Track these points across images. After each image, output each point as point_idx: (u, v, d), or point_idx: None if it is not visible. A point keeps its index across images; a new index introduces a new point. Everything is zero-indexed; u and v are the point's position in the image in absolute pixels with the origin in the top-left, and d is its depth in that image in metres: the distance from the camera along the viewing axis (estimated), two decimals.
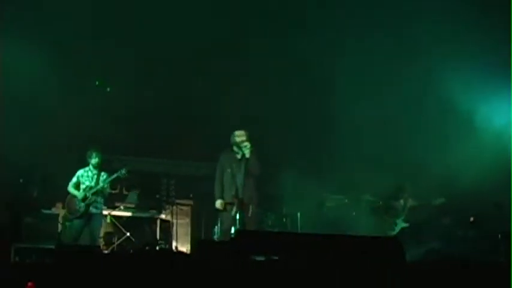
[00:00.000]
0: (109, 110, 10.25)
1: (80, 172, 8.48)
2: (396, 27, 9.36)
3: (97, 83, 10.72)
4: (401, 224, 9.10)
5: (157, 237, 9.65)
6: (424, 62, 9.54)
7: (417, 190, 9.20)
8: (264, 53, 10.07)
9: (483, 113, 9.29)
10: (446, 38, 9.31)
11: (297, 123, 10.57)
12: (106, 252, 8.57)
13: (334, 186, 9.76)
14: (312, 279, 5.06)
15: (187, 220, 10.19)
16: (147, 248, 9.12)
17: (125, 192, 10.39)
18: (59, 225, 8.67)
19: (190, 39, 9.95)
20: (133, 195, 10.26)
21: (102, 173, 8.48)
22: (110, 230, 9.49)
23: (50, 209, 9.09)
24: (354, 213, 9.64)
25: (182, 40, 9.92)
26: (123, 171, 8.48)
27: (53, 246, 7.27)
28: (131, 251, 8.79)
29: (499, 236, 7.96)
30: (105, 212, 9.23)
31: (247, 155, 7.60)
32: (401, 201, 9.22)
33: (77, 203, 8.28)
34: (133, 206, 9.78)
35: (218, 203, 7.68)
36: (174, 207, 9.76)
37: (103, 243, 9.11)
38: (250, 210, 7.55)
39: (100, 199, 8.43)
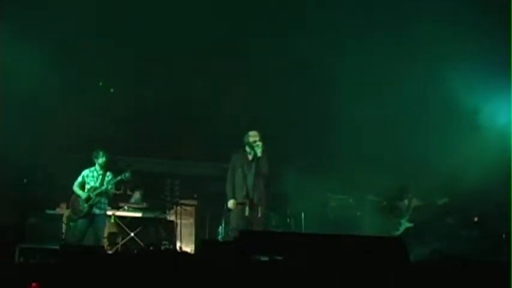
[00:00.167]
0: (109, 110, 10.25)
1: (85, 172, 8.48)
2: (396, 27, 9.38)
3: (101, 83, 10.72)
4: (405, 224, 9.12)
5: (162, 237, 9.65)
6: (425, 61, 9.57)
7: (421, 190, 9.22)
8: (264, 53, 10.10)
9: (485, 113, 9.32)
10: (447, 38, 9.33)
11: (297, 123, 10.59)
12: (110, 252, 8.56)
13: (337, 187, 9.78)
14: (315, 279, 5.07)
15: (192, 220, 10.18)
16: (151, 248, 9.13)
17: (129, 193, 10.38)
18: (63, 226, 8.67)
19: (190, 39, 9.96)
20: (137, 196, 10.25)
21: (108, 173, 8.48)
22: (114, 230, 9.48)
23: (54, 209, 9.07)
24: (358, 213, 9.67)
25: (182, 40, 9.93)
26: (127, 175, 8.47)
27: (57, 247, 7.23)
28: (135, 251, 8.79)
29: (503, 235, 7.99)
30: (109, 213, 9.23)
31: (259, 154, 7.70)
32: (406, 201, 9.24)
33: (81, 203, 8.28)
34: (137, 206, 9.76)
35: (231, 203, 7.74)
36: (178, 207, 9.74)
37: (107, 243, 9.10)
38: (260, 211, 7.64)
39: (104, 200, 8.44)
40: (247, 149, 7.85)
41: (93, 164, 8.51)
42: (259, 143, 7.72)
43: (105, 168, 8.49)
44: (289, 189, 9.28)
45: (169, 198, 10.28)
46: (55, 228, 8.76)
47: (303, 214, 9.45)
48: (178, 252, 8.11)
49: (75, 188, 8.40)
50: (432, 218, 9.24)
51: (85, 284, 5.05)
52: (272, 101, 10.37)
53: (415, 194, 9.23)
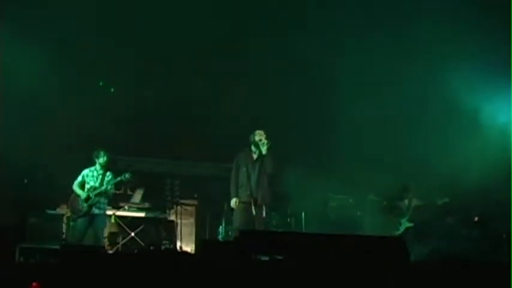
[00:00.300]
0: (109, 110, 10.24)
1: (85, 171, 8.46)
2: (396, 27, 9.41)
3: (101, 83, 10.72)
4: (405, 224, 9.12)
5: (162, 237, 9.65)
6: (425, 61, 9.59)
7: (421, 190, 9.22)
8: (264, 53, 10.10)
9: (485, 113, 9.33)
10: (447, 38, 9.36)
11: (297, 123, 10.59)
12: (110, 252, 8.56)
13: (337, 186, 9.78)
14: (316, 279, 5.08)
15: (192, 220, 10.17)
16: (151, 248, 9.13)
17: (129, 193, 10.34)
18: (64, 226, 8.67)
19: (190, 39, 9.98)
20: (137, 195, 10.24)
21: (108, 173, 8.47)
22: (114, 230, 9.46)
23: (54, 209, 9.05)
24: (359, 213, 9.69)
25: (182, 40, 9.94)
26: (127, 176, 8.46)
27: (57, 247, 7.26)
28: (136, 251, 8.79)
29: (503, 235, 7.99)
30: (109, 212, 9.23)
31: (264, 152, 7.77)
32: (406, 201, 9.24)
33: (80, 202, 8.27)
34: (137, 206, 9.76)
35: (233, 202, 7.78)
36: (179, 207, 9.74)
37: (107, 243, 9.09)
38: (264, 211, 7.70)
39: (103, 200, 8.42)
40: (253, 148, 7.91)
41: (94, 164, 8.50)
42: (265, 141, 7.78)
43: (106, 168, 8.47)
44: (289, 189, 9.28)
45: (169, 198, 10.25)
46: (55, 228, 8.76)
47: (303, 214, 9.47)
48: (179, 252, 8.11)
49: (75, 187, 8.39)
50: (432, 217, 9.25)
51: (85, 284, 5.05)
52: (272, 101, 10.37)
53: (415, 193, 9.23)
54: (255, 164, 7.83)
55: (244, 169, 7.79)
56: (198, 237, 9.96)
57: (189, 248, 9.76)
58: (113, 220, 9.36)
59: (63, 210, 9.01)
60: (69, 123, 9.88)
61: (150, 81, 10.46)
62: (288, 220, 9.71)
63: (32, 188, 9.17)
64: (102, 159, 8.42)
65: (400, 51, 9.59)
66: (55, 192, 8.78)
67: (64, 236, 8.58)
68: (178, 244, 9.58)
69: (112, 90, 10.80)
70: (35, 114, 9.58)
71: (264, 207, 7.70)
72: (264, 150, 7.77)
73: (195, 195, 10.43)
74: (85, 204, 8.24)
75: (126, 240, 9.36)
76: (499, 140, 9.08)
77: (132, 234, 9.39)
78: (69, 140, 9.82)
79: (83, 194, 8.28)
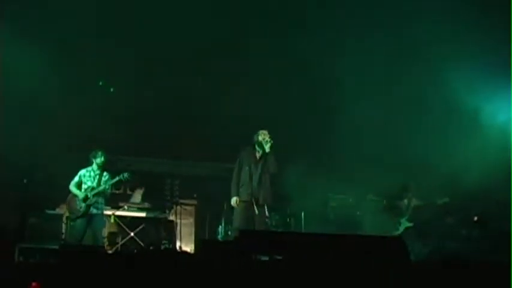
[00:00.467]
0: (109, 110, 10.24)
1: (82, 172, 8.46)
2: (396, 27, 9.39)
3: (100, 83, 10.72)
4: (405, 224, 9.11)
5: (162, 237, 9.66)
6: (425, 61, 9.58)
7: (421, 190, 9.22)
8: (264, 53, 10.10)
9: (485, 112, 9.33)
10: (447, 38, 9.35)
11: (297, 123, 10.58)
12: (110, 252, 8.56)
13: (337, 186, 9.78)
14: (316, 279, 5.08)
15: (191, 220, 10.18)
16: (151, 248, 9.13)
17: (128, 192, 10.37)
18: (63, 226, 8.67)
19: (190, 39, 9.97)
20: (137, 195, 10.25)
21: (105, 173, 8.46)
22: (113, 230, 9.48)
23: (54, 209, 9.06)
24: (358, 213, 9.68)
25: (182, 40, 9.94)
26: (126, 175, 8.46)
27: (57, 247, 7.27)
28: (135, 251, 8.79)
29: (503, 235, 7.98)
30: (109, 212, 9.24)
31: (267, 150, 7.83)
32: (406, 201, 9.24)
33: (78, 202, 8.27)
34: (137, 206, 9.77)
35: (233, 200, 7.81)
36: (178, 207, 9.76)
37: (107, 243, 9.11)
38: (266, 211, 7.73)
39: (101, 200, 8.41)
40: (256, 147, 7.95)
41: (90, 164, 8.49)
42: (268, 140, 7.84)
43: (103, 168, 8.47)
44: (289, 189, 9.29)
45: (169, 198, 10.27)
46: (55, 228, 8.77)
47: (303, 214, 9.47)
48: (178, 252, 8.11)
49: (72, 187, 8.38)
50: (432, 217, 9.24)
51: (85, 284, 5.05)
52: (272, 101, 10.36)
53: (414, 193, 9.23)
54: (257, 164, 7.88)
55: (247, 168, 7.83)
56: (198, 237, 9.98)
57: (188, 248, 9.77)
58: (112, 220, 9.37)
59: (62, 210, 9.02)
60: (69, 123, 9.88)
61: (150, 81, 10.45)
62: (288, 220, 9.72)
63: (31, 188, 9.18)
64: (99, 160, 8.42)
65: (400, 51, 9.60)
66: (55, 192, 8.78)
67: (63, 236, 8.59)
68: (177, 244, 9.59)
69: (112, 90, 10.80)
70: (35, 114, 9.57)
71: (265, 207, 7.73)
72: (267, 148, 7.83)
73: (195, 195, 10.45)
74: (83, 204, 8.23)
75: (125, 240, 9.38)
76: (499, 140, 9.07)
77: (132, 234, 9.40)
78: (69, 140, 9.82)
79: (80, 194, 8.28)
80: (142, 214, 9.63)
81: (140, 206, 9.80)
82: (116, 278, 5.09)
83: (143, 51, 10.12)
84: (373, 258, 5.27)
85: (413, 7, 9.38)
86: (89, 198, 8.26)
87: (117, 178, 8.44)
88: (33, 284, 4.98)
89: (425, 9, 9.39)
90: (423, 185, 9.20)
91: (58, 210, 9.06)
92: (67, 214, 8.74)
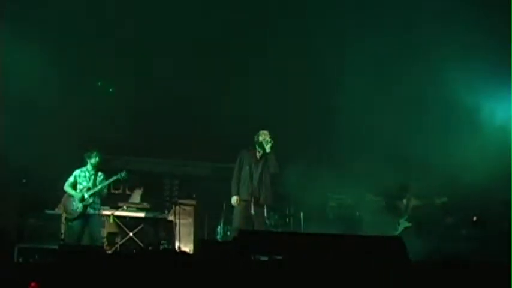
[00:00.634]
0: (109, 110, 10.24)
1: (77, 172, 8.44)
2: (397, 27, 9.39)
3: (99, 83, 10.71)
4: (404, 224, 9.10)
5: (161, 237, 9.65)
6: (425, 61, 9.57)
7: (420, 189, 9.21)
8: (264, 53, 10.09)
9: (485, 112, 9.32)
10: (447, 37, 9.36)
11: (298, 124, 10.57)
12: (109, 252, 8.55)
13: (336, 186, 9.78)
14: (315, 279, 5.07)
15: (190, 220, 10.17)
16: (150, 248, 9.12)
17: (128, 192, 10.39)
18: (62, 226, 8.65)
19: (191, 39, 9.97)
20: (136, 195, 10.25)
21: (99, 173, 8.45)
22: (112, 230, 9.45)
23: (53, 209, 9.04)
24: (357, 213, 9.67)
25: (182, 40, 9.94)
26: (123, 174, 8.46)
27: (56, 247, 7.25)
28: (134, 251, 8.78)
29: (503, 235, 7.98)
30: (108, 212, 9.24)
31: (268, 150, 7.86)
32: (404, 201, 9.23)
33: (75, 203, 8.27)
34: (136, 206, 9.76)
35: (234, 200, 7.83)
36: (177, 207, 9.75)
37: (106, 243, 9.10)
38: (266, 211, 7.75)
39: (97, 200, 8.40)
40: (257, 147, 7.98)
41: (85, 164, 8.48)
42: (269, 140, 7.87)
43: (97, 168, 8.46)
44: (288, 189, 9.28)
45: (168, 198, 10.28)
46: (54, 228, 8.76)
47: (302, 214, 9.46)
48: (177, 252, 8.10)
49: (67, 188, 8.37)
50: (431, 217, 9.22)
51: (84, 284, 5.06)
52: (272, 101, 10.35)
53: (413, 193, 9.22)
54: (258, 163, 7.91)
55: (248, 167, 7.86)
56: (197, 237, 9.97)
57: (187, 248, 9.76)
58: (111, 220, 9.36)
59: (61, 210, 8.99)
60: (69, 123, 9.87)
61: (150, 81, 10.44)
62: (287, 220, 9.74)
63: (30, 188, 9.18)
64: (94, 160, 8.40)
65: (400, 51, 9.59)
66: (54, 192, 8.75)
67: (62, 236, 8.56)
68: (176, 244, 9.58)
69: (111, 90, 10.80)
70: (35, 114, 9.56)
71: (265, 207, 7.77)
72: (268, 148, 7.85)
73: (194, 195, 10.44)
74: (80, 205, 8.23)
75: (124, 240, 9.35)
76: (499, 139, 9.06)
77: (131, 234, 9.38)
78: (68, 140, 9.79)
79: (77, 194, 8.27)
80: (142, 214, 9.62)
81: (139, 206, 9.79)
82: (115, 278, 5.09)
83: (143, 51, 10.11)
84: (373, 259, 5.26)
85: (413, 7, 9.37)
86: (85, 198, 8.26)
87: (114, 177, 8.43)
88: (32, 284, 4.99)
89: (425, 9, 9.40)
90: (422, 185, 9.19)
91: (57, 211, 9.02)
92: (65, 215, 8.73)
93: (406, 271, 5.20)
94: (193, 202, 10.34)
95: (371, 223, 9.22)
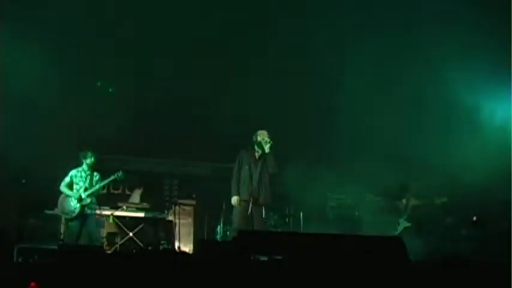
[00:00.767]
0: (109, 110, 10.24)
1: (73, 172, 8.44)
2: (397, 27, 9.39)
3: (99, 83, 10.72)
4: (404, 224, 9.09)
5: (160, 237, 9.64)
6: (425, 61, 9.57)
7: (420, 189, 9.20)
8: (264, 53, 10.09)
9: (485, 112, 9.32)
10: (447, 37, 9.36)
11: (297, 124, 10.57)
12: (109, 252, 8.55)
13: (336, 186, 9.77)
14: (315, 279, 5.07)
15: (190, 220, 10.17)
16: (149, 248, 9.12)
17: (127, 192, 10.39)
18: (62, 226, 8.66)
19: (191, 39, 9.97)
20: (136, 195, 10.25)
21: (95, 173, 8.45)
22: (112, 230, 9.46)
23: (52, 209, 9.01)
24: (357, 213, 9.67)
25: (182, 40, 9.94)
26: (120, 174, 8.47)
27: (55, 247, 7.24)
28: (134, 251, 8.78)
29: (503, 235, 7.97)
30: (107, 212, 9.24)
31: (267, 150, 7.85)
32: (404, 201, 9.22)
33: (72, 203, 8.27)
34: (136, 206, 9.76)
35: (234, 200, 7.82)
36: (177, 207, 9.75)
37: (106, 243, 9.11)
38: (264, 212, 7.75)
39: (94, 199, 8.41)
40: (256, 147, 7.96)
41: (80, 164, 8.48)
42: (268, 140, 7.86)
43: (93, 168, 8.46)
44: (288, 189, 9.28)
45: (168, 198, 10.27)
46: (53, 228, 8.77)
47: (301, 214, 9.45)
48: (177, 252, 8.11)
49: (63, 188, 8.37)
50: (431, 217, 9.21)
51: (83, 284, 5.06)
52: (272, 101, 10.35)
53: (413, 193, 9.21)
54: (257, 163, 7.90)
55: (247, 167, 7.86)
56: (196, 237, 9.96)
57: (187, 248, 9.76)
58: (111, 220, 9.36)
59: (58, 211, 8.98)
60: (69, 123, 9.86)
61: (150, 81, 10.44)
62: (287, 220, 9.73)
63: (30, 188, 9.18)
64: (89, 160, 8.40)
65: (400, 51, 9.58)
66: (53, 192, 8.74)
67: (62, 236, 8.56)
68: (176, 244, 9.58)
69: (110, 90, 10.80)
70: (35, 114, 9.56)
71: (264, 207, 7.77)
72: (266, 148, 7.84)
73: (194, 195, 10.44)
74: (78, 205, 8.23)
75: (124, 240, 9.35)
76: (499, 139, 9.06)
77: (131, 234, 9.38)
78: (68, 140, 9.79)
79: (74, 195, 8.27)
80: (141, 214, 9.62)
81: (139, 206, 9.79)
82: (114, 278, 5.09)
83: (143, 51, 10.11)
84: (372, 259, 5.26)
85: (413, 7, 9.37)
86: (83, 198, 8.26)
87: (112, 177, 8.45)
88: (32, 284, 4.99)
89: (425, 9, 9.39)
90: (422, 185, 9.18)
91: (56, 211, 9.04)
92: (62, 215, 8.72)
93: (406, 271, 5.19)
94: (193, 202, 10.33)
95: (371, 223, 9.20)
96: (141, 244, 9.28)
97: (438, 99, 9.47)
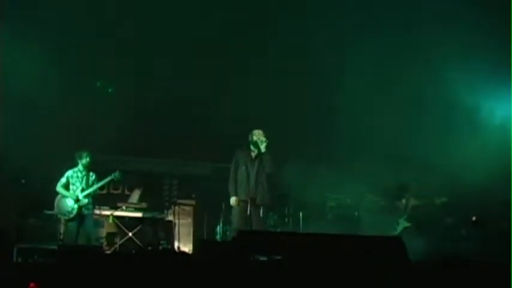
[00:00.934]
0: (109, 110, 10.24)
1: (69, 173, 8.43)
2: (397, 27, 9.40)
3: (98, 84, 10.72)
4: (403, 224, 9.07)
5: (160, 237, 9.64)
6: (425, 61, 9.58)
7: (419, 189, 9.20)
8: (264, 53, 10.10)
9: (485, 112, 9.33)
10: (447, 37, 9.37)
11: (297, 124, 10.58)
12: (108, 252, 8.56)
13: (336, 186, 9.76)
14: (314, 279, 5.06)
15: (190, 220, 10.17)
16: (149, 248, 9.12)
17: (127, 193, 10.39)
18: (61, 226, 8.65)
19: (191, 38, 9.97)
20: (135, 196, 10.24)
21: (91, 174, 8.45)
22: (112, 230, 9.46)
23: (52, 209, 9.01)
24: (357, 213, 9.66)
25: (182, 40, 9.94)
26: (117, 174, 8.46)
27: (55, 247, 7.24)
28: (133, 251, 8.78)
29: (503, 235, 7.97)
30: (107, 213, 9.24)
31: (263, 150, 7.79)
32: (404, 201, 9.21)
33: (70, 204, 8.27)
34: (135, 206, 9.76)
35: (233, 200, 7.77)
36: (177, 207, 9.76)
37: (105, 243, 9.11)
38: (262, 211, 7.69)
39: (90, 200, 8.41)
40: (252, 147, 7.92)
41: (76, 165, 8.47)
42: (263, 139, 7.81)
43: (88, 168, 8.46)
44: (288, 189, 9.28)
45: (167, 198, 10.27)
46: (53, 228, 8.77)
47: (301, 214, 9.44)
48: (176, 252, 8.11)
49: (60, 188, 8.37)
50: (431, 217, 9.21)
51: (83, 284, 5.05)
52: (272, 101, 10.35)
53: (413, 193, 9.20)
54: (254, 163, 7.84)
55: (244, 168, 7.81)
56: (196, 238, 9.97)
57: (186, 248, 9.76)
58: (110, 220, 9.36)
59: (55, 211, 8.98)
60: (69, 123, 9.86)
61: (150, 81, 10.45)
62: (286, 220, 9.72)
63: (30, 189, 9.18)
64: (85, 160, 8.40)
65: (400, 51, 9.59)
66: (53, 192, 8.74)
67: (61, 236, 8.56)
68: (176, 244, 9.58)
69: (110, 90, 10.80)
70: (35, 114, 9.56)
71: (262, 207, 7.70)
72: (262, 147, 7.79)
73: (193, 195, 10.44)
74: (75, 206, 8.23)
75: (123, 240, 9.35)
76: (498, 140, 9.06)
77: (130, 234, 9.38)
78: (68, 140, 9.79)
79: (71, 195, 8.28)
80: (141, 214, 9.62)
81: (138, 206, 9.79)
82: (114, 278, 5.08)
83: (143, 51, 10.11)
84: (372, 259, 5.25)
85: (413, 7, 9.37)
86: (80, 199, 8.26)
87: (108, 178, 8.44)
88: (32, 284, 4.98)
89: (425, 9, 9.39)
90: (422, 185, 9.18)
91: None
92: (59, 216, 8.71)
93: (406, 271, 5.19)
94: (193, 202, 10.34)
95: (370, 223, 9.20)
96: (140, 244, 9.29)
97: (438, 99, 9.48)
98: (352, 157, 9.38)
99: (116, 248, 9.20)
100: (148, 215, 9.64)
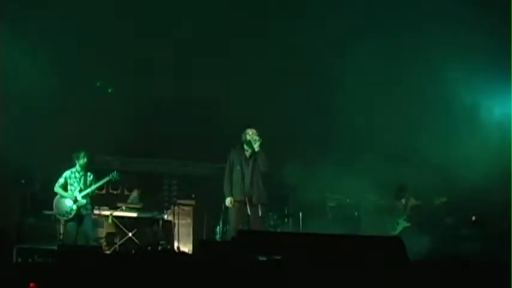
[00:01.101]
0: (109, 110, 10.24)
1: (67, 173, 8.44)
2: (397, 27, 9.40)
3: (98, 84, 10.72)
4: (403, 224, 9.08)
5: (159, 237, 9.64)
6: (425, 61, 9.58)
7: (419, 189, 9.20)
8: (264, 52, 10.09)
9: (484, 113, 9.33)
10: (447, 37, 9.37)
11: (297, 124, 10.57)
12: (108, 252, 8.56)
13: (335, 186, 9.76)
14: (314, 279, 5.06)
15: (189, 220, 10.18)
16: (149, 248, 9.12)
17: (126, 193, 10.39)
18: (61, 226, 8.65)
19: (190, 38, 9.97)
20: (135, 196, 10.25)
21: (89, 174, 8.46)
22: (111, 230, 9.48)
23: (51, 210, 9.04)
24: (356, 213, 9.66)
25: (182, 40, 9.94)
26: (115, 175, 8.48)
27: (55, 247, 7.24)
28: (133, 251, 8.78)
29: (503, 235, 7.98)
30: (106, 213, 9.24)
31: (257, 149, 7.72)
32: (403, 201, 9.21)
33: (68, 204, 8.27)
34: (135, 206, 9.77)
35: (228, 201, 7.74)
36: (176, 207, 9.76)
37: (105, 243, 9.12)
38: (260, 211, 7.64)
39: (88, 200, 8.42)
40: (245, 146, 7.87)
41: (74, 165, 8.47)
42: (257, 138, 7.74)
43: (86, 169, 8.46)
44: (287, 189, 9.27)
45: (167, 198, 10.27)
46: (53, 228, 8.75)
47: (301, 214, 9.44)
48: (176, 252, 8.11)
49: (58, 189, 8.37)
50: (431, 217, 9.22)
51: (83, 285, 5.06)
52: (272, 101, 10.35)
53: (412, 193, 9.21)
54: (248, 162, 7.79)
55: (238, 167, 7.75)
56: (196, 238, 9.97)
57: (186, 248, 9.77)
58: (110, 220, 9.37)
59: (54, 211, 8.98)
60: (69, 124, 9.86)
61: (150, 81, 10.44)
62: (286, 220, 9.71)
63: (29, 189, 9.19)
64: (82, 161, 8.40)
65: (400, 52, 9.60)
66: (52, 192, 8.75)
67: (61, 236, 8.56)
68: (175, 244, 9.59)
69: (110, 90, 10.80)
70: (34, 114, 9.56)
71: (259, 206, 7.64)
72: (256, 146, 7.72)
73: (193, 195, 10.45)
74: (74, 206, 8.24)
75: (123, 240, 9.36)
76: (498, 140, 9.06)
77: (130, 234, 9.40)
78: (68, 140, 9.79)
79: (70, 196, 8.28)
80: (140, 214, 9.63)
81: (138, 206, 9.80)
82: (114, 278, 5.09)
83: (143, 51, 10.11)
84: (372, 259, 5.25)
85: (413, 7, 9.37)
86: (78, 200, 8.26)
87: (106, 178, 8.46)
88: (31, 284, 4.99)
89: (425, 9, 9.39)
90: (421, 185, 9.18)
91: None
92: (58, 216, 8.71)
93: (406, 271, 5.19)
94: (192, 202, 10.35)
95: (370, 223, 9.21)
96: (140, 244, 9.29)
97: (438, 99, 9.48)
98: (352, 157, 9.38)
99: (115, 248, 9.22)
100: (148, 215, 9.65)
